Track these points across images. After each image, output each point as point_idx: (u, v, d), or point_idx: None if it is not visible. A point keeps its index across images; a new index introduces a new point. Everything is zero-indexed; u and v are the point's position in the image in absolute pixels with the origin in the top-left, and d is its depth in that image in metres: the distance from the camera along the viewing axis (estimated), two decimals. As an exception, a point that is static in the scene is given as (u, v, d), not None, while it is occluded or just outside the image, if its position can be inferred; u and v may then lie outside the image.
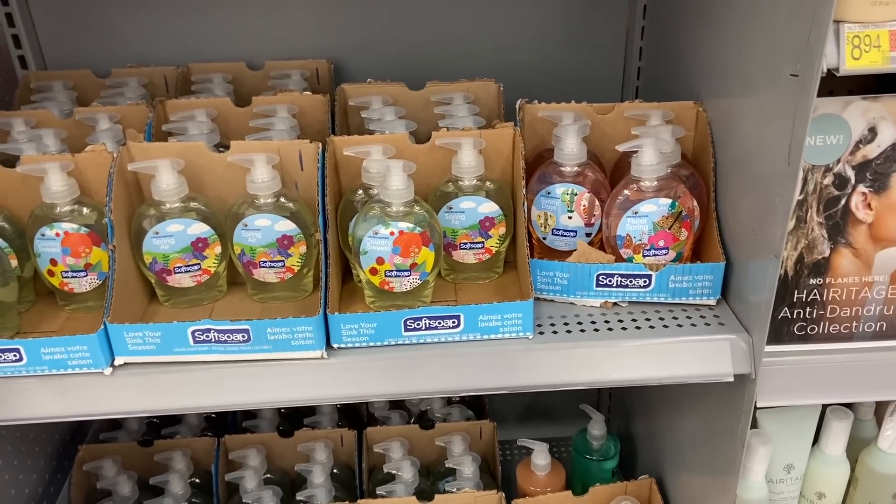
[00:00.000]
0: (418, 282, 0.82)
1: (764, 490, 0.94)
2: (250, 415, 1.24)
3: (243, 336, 0.76)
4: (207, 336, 0.76)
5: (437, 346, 0.80)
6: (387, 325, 0.78)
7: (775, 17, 0.70)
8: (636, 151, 0.82)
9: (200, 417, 1.25)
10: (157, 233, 0.80)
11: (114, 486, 1.10)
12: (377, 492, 1.08)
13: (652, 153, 0.81)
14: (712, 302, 0.84)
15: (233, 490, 1.13)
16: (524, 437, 1.20)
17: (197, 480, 1.15)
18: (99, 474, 1.11)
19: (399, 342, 0.79)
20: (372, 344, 0.79)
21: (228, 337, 0.76)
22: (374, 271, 0.81)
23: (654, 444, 1.16)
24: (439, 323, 0.79)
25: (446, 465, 1.14)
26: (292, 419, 1.23)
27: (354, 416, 1.29)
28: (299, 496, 1.08)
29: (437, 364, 0.79)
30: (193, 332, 0.76)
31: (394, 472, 1.10)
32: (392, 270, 0.81)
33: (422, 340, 0.80)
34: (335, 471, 1.16)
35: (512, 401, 1.46)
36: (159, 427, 1.23)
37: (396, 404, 1.29)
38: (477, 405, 1.31)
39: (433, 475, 1.19)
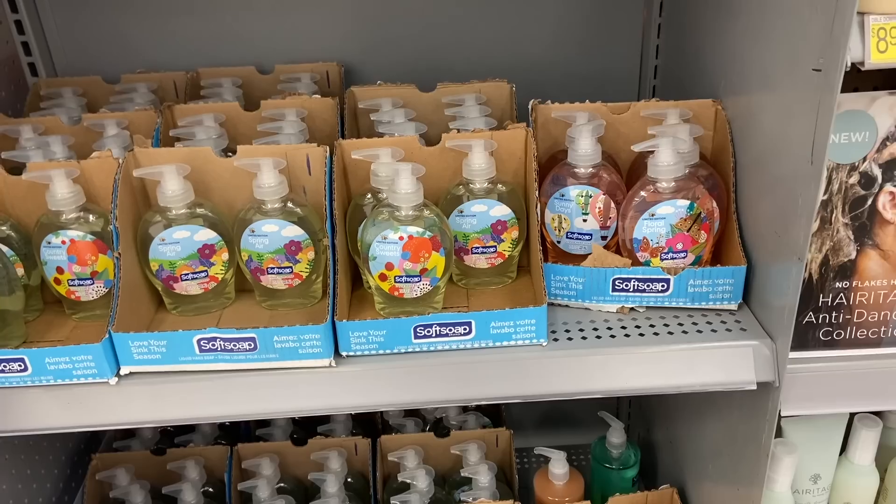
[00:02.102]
0: (429, 287, 0.80)
1: (790, 501, 0.91)
2: (264, 423, 1.23)
3: (250, 344, 0.74)
4: (213, 345, 0.74)
5: (448, 353, 0.77)
6: (396, 333, 0.76)
7: (796, 8, 0.67)
8: (653, 152, 0.80)
9: (214, 425, 1.24)
10: (163, 239, 0.79)
11: (127, 494, 1.09)
12: (391, 501, 1.06)
13: (669, 153, 0.78)
14: (733, 307, 0.81)
15: (246, 499, 1.12)
16: (541, 444, 1.17)
17: (210, 489, 1.14)
18: (112, 483, 1.11)
19: (409, 350, 0.78)
20: (381, 352, 0.77)
21: (235, 345, 0.74)
22: (383, 277, 0.79)
23: (676, 453, 1.13)
24: (450, 330, 0.77)
25: (462, 475, 1.12)
26: (306, 427, 1.22)
27: (369, 423, 1.27)
28: (312, 506, 1.07)
29: (448, 372, 0.77)
30: (199, 341, 0.74)
31: (408, 481, 1.08)
32: (402, 276, 0.79)
33: (432, 348, 0.78)
34: (349, 479, 1.14)
35: (529, 408, 1.43)
36: (173, 435, 1.22)
37: (411, 412, 1.27)
38: (494, 412, 1.29)
39: (448, 484, 1.17)
